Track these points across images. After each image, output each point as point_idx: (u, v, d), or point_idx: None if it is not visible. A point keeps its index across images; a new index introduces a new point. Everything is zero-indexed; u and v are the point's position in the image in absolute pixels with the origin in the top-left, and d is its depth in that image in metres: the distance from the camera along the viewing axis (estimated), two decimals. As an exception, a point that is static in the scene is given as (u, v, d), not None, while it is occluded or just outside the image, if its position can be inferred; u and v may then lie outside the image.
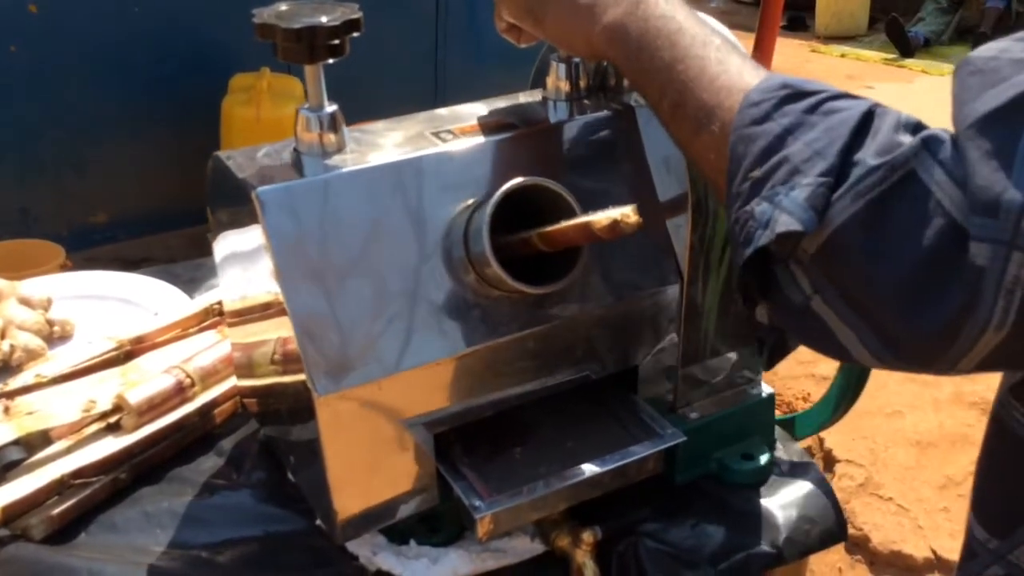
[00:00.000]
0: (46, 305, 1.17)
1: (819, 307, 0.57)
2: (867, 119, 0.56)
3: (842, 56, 5.63)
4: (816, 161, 0.55)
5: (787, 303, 0.59)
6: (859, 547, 2.10)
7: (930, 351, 0.53)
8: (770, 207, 0.56)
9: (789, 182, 0.56)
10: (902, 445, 2.36)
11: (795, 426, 1.04)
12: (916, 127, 0.55)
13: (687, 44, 0.67)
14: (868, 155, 0.54)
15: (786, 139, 0.57)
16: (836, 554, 2.10)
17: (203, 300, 1.16)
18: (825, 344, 0.59)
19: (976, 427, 2.42)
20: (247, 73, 2.70)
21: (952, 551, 2.05)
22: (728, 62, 0.65)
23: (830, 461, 2.31)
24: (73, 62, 2.62)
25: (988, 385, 2.55)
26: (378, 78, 2.78)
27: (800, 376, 2.57)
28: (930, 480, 2.25)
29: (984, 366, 0.53)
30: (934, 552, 2.06)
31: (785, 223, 0.54)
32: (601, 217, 0.66)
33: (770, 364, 0.71)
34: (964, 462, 2.30)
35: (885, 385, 2.50)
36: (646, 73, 0.69)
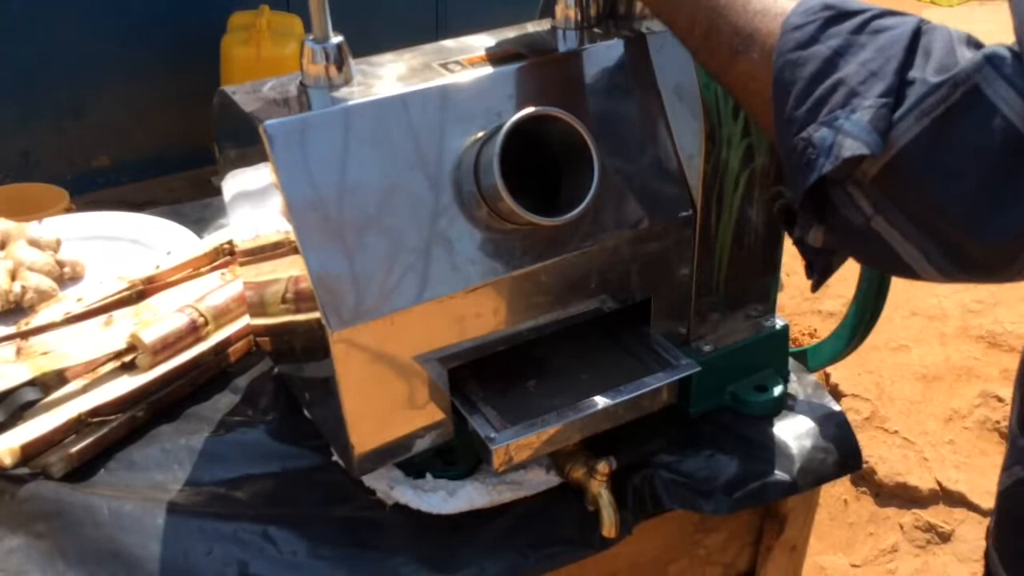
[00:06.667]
0: (55, 246, 1.16)
1: (880, 226, 0.56)
2: (917, 36, 0.55)
3: (850, -13, 5.52)
4: (873, 82, 0.54)
5: (845, 225, 0.58)
6: (865, 479, 2.13)
7: (999, 260, 0.53)
8: (831, 132, 0.55)
9: (848, 105, 0.54)
10: (908, 379, 2.36)
11: (808, 358, 1.04)
12: (976, 43, 0.54)
13: None
14: (928, 73, 0.53)
15: (837, 62, 0.56)
16: (842, 486, 2.12)
17: (213, 239, 1.16)
18: (887, 262, 0.58)
19: (982, 360, 2.42)
20: (246, 11, 2.65)
21: (957, 483, 2.07)
22: None
23: (836, 395, 2.32)
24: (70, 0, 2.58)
25: (995, 318, 2.55)
26: (376, 11, 2.74)
27: (806, 312, 2.57)
28: (936, 413, 2.26)
29: None
30: (939, 484, 2.08)
31: (851, 148, 0.53)
32: None
33: (817, 285, 0.70)
34: (970, 395, 2.31)
35: (891, 319, 2.50)
36: (673, 1, 0.68)
